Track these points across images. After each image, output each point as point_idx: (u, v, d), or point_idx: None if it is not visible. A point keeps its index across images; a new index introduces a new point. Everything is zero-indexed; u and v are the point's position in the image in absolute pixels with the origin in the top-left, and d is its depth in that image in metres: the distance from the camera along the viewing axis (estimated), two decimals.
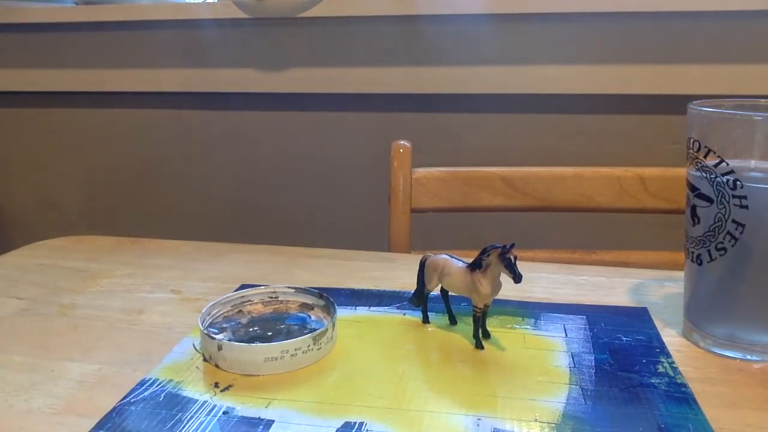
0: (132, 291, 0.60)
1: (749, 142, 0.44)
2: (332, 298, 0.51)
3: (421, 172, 0.84)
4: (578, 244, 0.88)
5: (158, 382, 0.43)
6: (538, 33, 1.18)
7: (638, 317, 0.53)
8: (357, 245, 0.73)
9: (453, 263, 0.49)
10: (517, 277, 0.44)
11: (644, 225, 1.06)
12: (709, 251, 0.46)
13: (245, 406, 0.41)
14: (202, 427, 0.39)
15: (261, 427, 0.39)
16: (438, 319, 0.53)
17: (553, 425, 0.38)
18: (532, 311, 0.54)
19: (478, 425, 0.38)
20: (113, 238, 0.75)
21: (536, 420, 0.39)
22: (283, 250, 0.71)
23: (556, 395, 0.42)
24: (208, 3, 1.30)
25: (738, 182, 0.43)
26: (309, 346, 0.45)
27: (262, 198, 1.42)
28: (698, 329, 0.49)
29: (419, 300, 0.52)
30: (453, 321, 0.52)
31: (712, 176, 0.45)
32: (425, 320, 0.52)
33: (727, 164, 0.44)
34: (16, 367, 0.46)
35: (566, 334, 0.50)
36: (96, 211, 1.52)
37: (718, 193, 0.45)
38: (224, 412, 0.40)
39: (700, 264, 0.47)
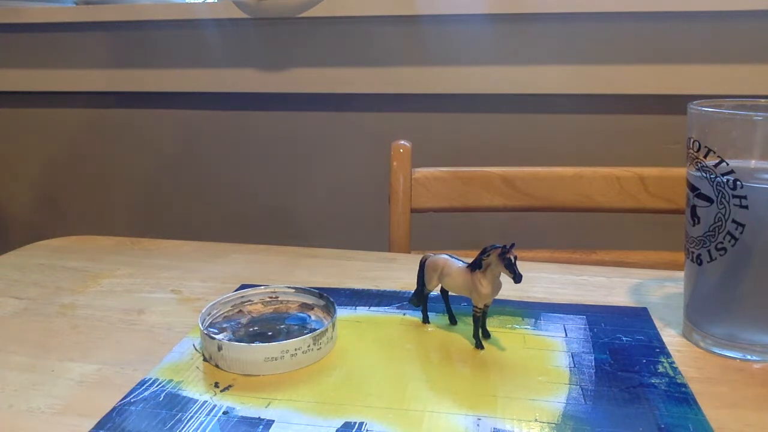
0: (132, 291, 0.60)
1: (749, 142, 0.44)
2: (332, 298, 0.51)
3: (421, 172, 0.84)
4: (578, 244, 0.88)
5: (158, 382, 0.43)
6: (538, 33, 1.18)
7: (638, 317, 0.53)
8: (357, 245, 0.73)
9: (453, 263, 0.49)
10: (517, 277, 0.44)
11: (644, 225, 1.06)
12: (709, 251, 0.46)
13: (245, 406, 0.41)
14: (202, 427, 0.39)
15: (261, 427, 0.39)
16: (438, 319, 0.53)
17: (553, 425, 0.38)
18: (532, 311, 0.54)
19: (478, 425, 0.38)
20: (113, 238, 0.75)
21: (536, 420, 0.39)
22: (283, 250, 0.71)
23: (556, 395, 0.42)
24: (208, 3, 1.30)
25: (738, 182, 0.43)
26: (309, 346, 0.45)
27: (262, 198, 1.42)
28: (698, 329, 0.49)
29: (419, 300, 0.52)
30: (453, 321, 0.52)
31: (712, 176, 0.45)
32: (425, 320, 0.52)
33: (727, 164, 0.44)
34: (16, 367, 0.46)
35: (566, 334, 0.50)
36: (96, 211, 1.52)
37: (718, 193, 0.45)
38: (224, 412, 0.40)
39: (700, 264, 0.47)
